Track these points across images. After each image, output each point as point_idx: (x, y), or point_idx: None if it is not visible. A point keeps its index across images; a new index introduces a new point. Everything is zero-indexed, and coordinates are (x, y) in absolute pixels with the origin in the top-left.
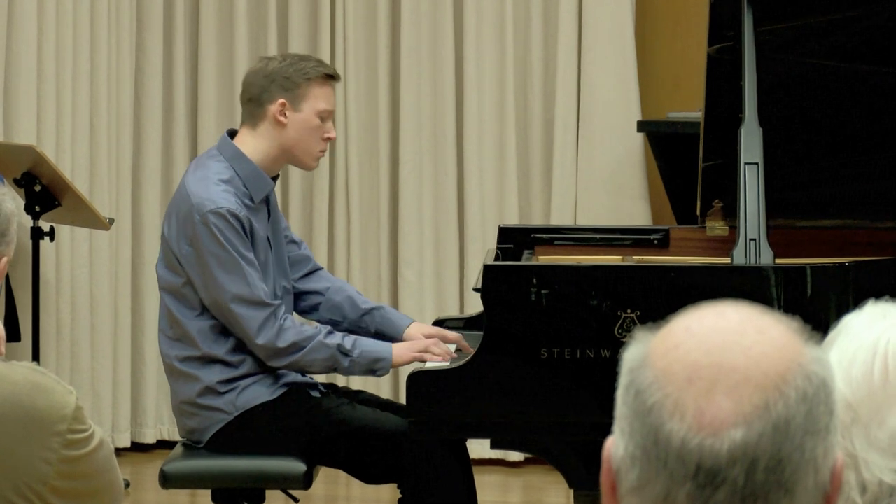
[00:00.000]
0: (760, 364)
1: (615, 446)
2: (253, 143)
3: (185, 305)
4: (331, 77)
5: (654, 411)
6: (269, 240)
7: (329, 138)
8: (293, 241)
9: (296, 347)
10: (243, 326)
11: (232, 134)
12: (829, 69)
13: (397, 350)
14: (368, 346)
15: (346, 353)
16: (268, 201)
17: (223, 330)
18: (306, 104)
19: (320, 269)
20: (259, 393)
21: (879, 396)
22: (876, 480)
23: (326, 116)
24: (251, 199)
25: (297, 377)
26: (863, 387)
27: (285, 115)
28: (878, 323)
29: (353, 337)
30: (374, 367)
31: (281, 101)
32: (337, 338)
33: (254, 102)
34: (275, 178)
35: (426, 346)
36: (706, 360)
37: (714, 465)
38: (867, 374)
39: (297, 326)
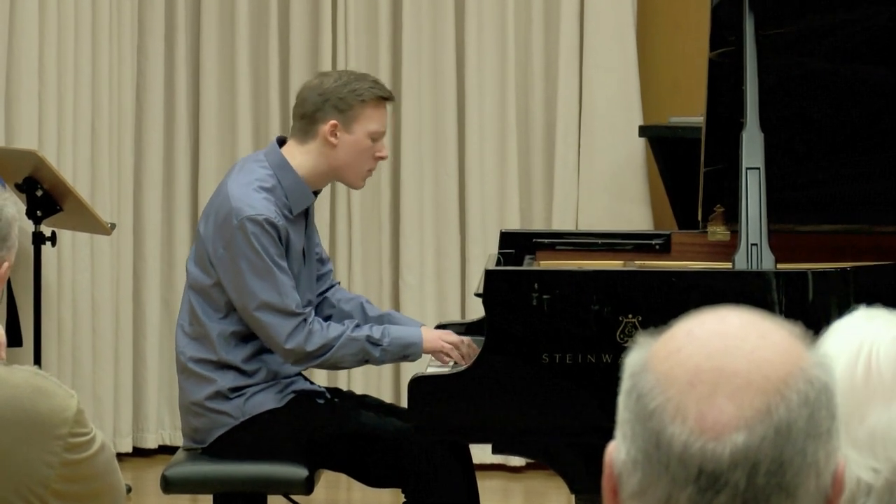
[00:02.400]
0: (762, 368)
1: (617, 451)
2: (300, 158)
3: (210, 306)
4: (385, 99)
5: (655, 415)
6: (303, 253)
7: (380, 157)
8: (321, 259)
9: (325, 349)
10: (270, 333)
11: (281, 141)
12: (828, 70)
13: (427, 334)
14: (398, 332)
15: (375, 343)
16: (306, 215)
17: (243, 337)
18: (358, 126)
19: (337, 283)
20: (266, 400)
21: (861, 394)
22: (854, 478)
23: (378, 137)
24: (290, 211)
25: (305, 385)
26: (845, 384)
27: (336, 135)
28: (864, 326)
29: (381, 326)
30: (405, 353)
31: (333, 122)
32: (364, 329)
33: (306, 119)
34: (316, 193)
35: (455, 344)
36: (708, 364)
37: (716, 469)
38: (850, 371)
39: (323, 329)
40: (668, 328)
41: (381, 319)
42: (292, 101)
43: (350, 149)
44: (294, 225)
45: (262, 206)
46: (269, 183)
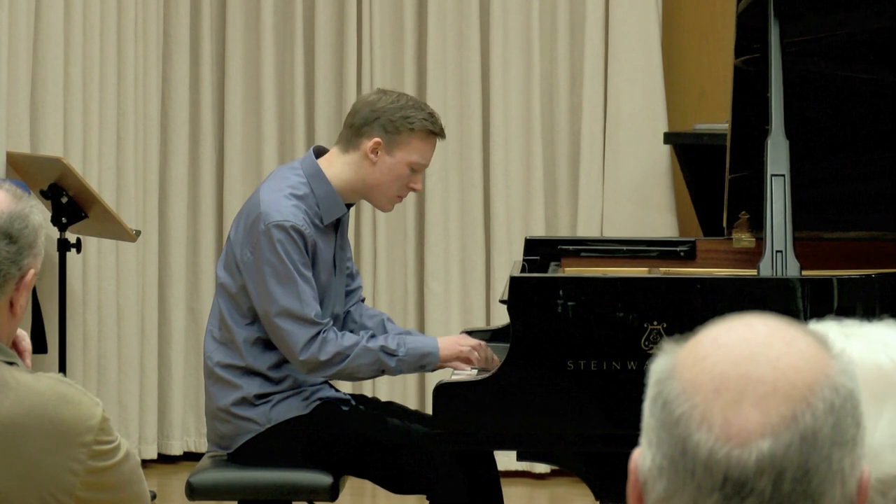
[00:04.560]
0: (788, 375)
1: (642, 457)
2: (338, 167)
3: (237, 312)
4: (435, 134)
5: (681, 422)
6: (334, 264)
7: (413, 189)
8: (350, 275)
9: (339, 357)
10: (287, 341)
11: (318, 152)
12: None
13: (443, 343)
14: (414, 342)
15: (391, 353)
16: (337, 226)
17: (268, 344)
18: (400, 152)
19: (363, 300)
20: (292, 407)
21: None
22: None
23: (418, 169)
24: (321, 221)
25: (331, 393)
26: None
27: (377, 153)
28: (839, 343)
29: (396, 336)
30: (422, 363)
31: (377, 139)
32: (380, 340)
33: (353, 130)
34: (349, 206)
35: (473, 346)
36: (734, 371)
37: (741, 476)
38: None
39: (337, 338)
40: (694, 335)
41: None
42: (317, 111)
43: (386, 171)
44: (324, 235)
45: (290, 213)
46: (302, 191)
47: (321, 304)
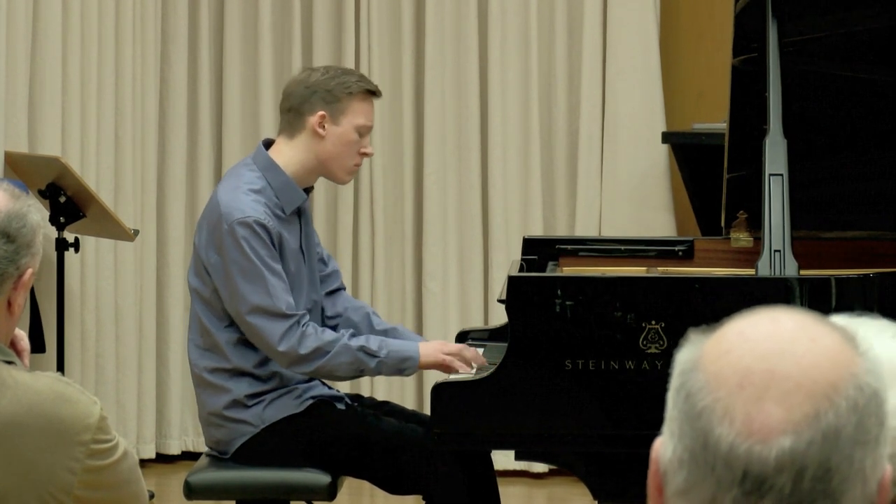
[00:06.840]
0: (811, 373)
1: (664, 447)
2: (289, 154)
3: (215, 316)
4: (372, 93)
5: (703, 415)
6: (302, 251)
7: (365, 154)
8: (321, 259)
9: (319, 353)
10: (263, 337)
11: (268, 143)
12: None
13: (424, 349)
14: (395, 345)
15: (372, 354)
16: (300, 213)
17: (250, 343)
18: (346, 119)
19: (343, 289)
20: (286, 406)
21: None
22: None
23: (364, 132)
24: (283, 211)
25: (324, 390)
26: None
27: (324, 127)
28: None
29: (378, 338)
30: (401, 367)
31: (321, 113)
32: (361, 339)
33: (293, 112)
34: (308, 191)
35: (456, 353)
36: (758, 366)
37: (761, 472)
38: None
39: (318, 332)
40: (721, 327)
41: (387, 334)
42: None
43: (337, 141)
44: (288, 224)
45: (250, 209)
46: (258, 185)
47: (294, 294)
